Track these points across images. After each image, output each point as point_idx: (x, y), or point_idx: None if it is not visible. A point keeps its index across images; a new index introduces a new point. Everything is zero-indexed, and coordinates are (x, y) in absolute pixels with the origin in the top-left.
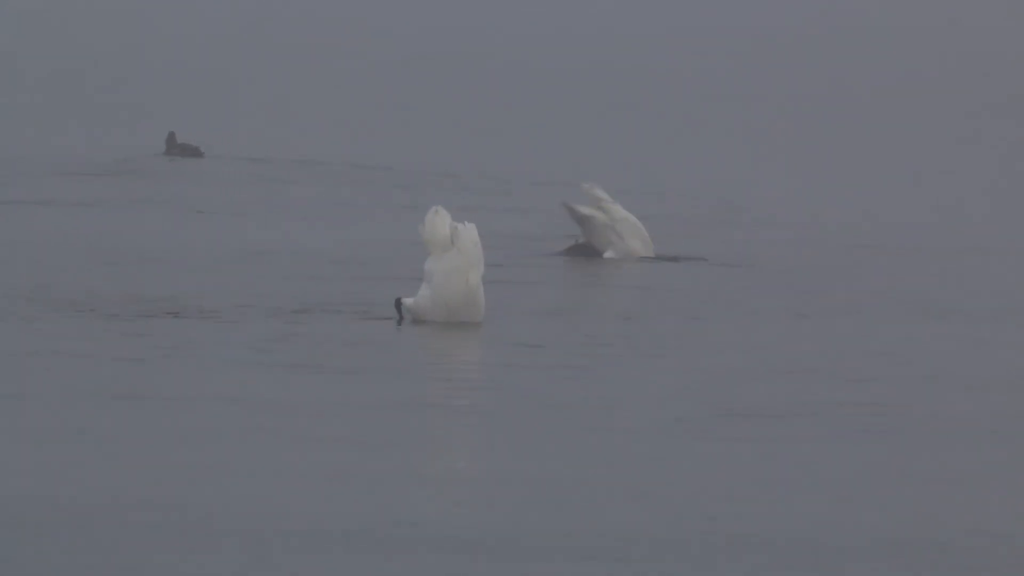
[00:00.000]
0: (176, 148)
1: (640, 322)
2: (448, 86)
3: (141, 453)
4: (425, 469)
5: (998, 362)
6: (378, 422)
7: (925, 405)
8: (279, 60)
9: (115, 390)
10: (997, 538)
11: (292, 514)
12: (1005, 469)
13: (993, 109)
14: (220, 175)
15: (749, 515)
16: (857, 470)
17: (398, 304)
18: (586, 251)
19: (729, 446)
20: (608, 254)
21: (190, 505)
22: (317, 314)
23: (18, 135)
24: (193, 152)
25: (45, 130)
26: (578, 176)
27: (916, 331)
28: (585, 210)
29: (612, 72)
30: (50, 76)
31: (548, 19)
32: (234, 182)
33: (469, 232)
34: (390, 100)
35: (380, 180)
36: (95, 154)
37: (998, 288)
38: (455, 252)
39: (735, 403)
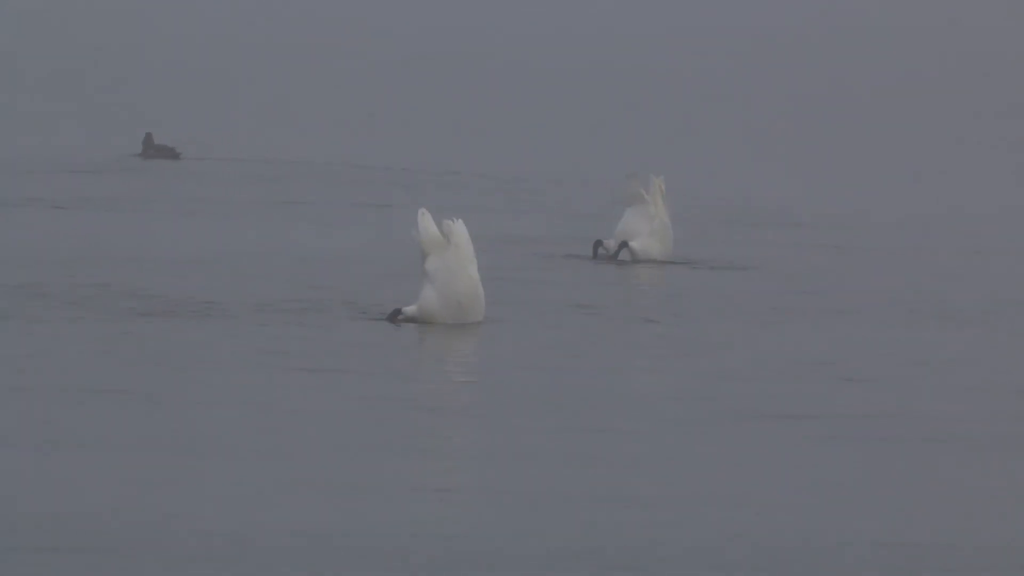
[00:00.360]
0: (153, 149)
1: (644, 324)
2: (448, 86)
3: (135, 459)
4: (427, 476)
5: (1004, 365)
6: (378, 426)
7: (929, 410)
8: (279, 60)
9: (112, 392)
10: (998, 544)
11: (291, 523)
12: (1006, 475)
13: (993, 109)
14: (214, 176)
15: (749, 522)
16: (857, 475)
17: (395, 314)
18: (605, 257)
19: (731, 449)
20: (633, 243)
21: (180, 514)
22: (316, 314)
23: (16, 135)
24: (170, 153)
25: (43, 130)
26: (578, 176)
27: (921, 333)
28: (646, 195)
29: (612, 72)
30: (50, 76)
31: (548, 19)
32: (231, 182)
33: (460, 228)
34: (390, 100)
35: (380, 180)
36: (83, 155)
37: (1001, 289)
38: (453, 249)
39: (737, 406)
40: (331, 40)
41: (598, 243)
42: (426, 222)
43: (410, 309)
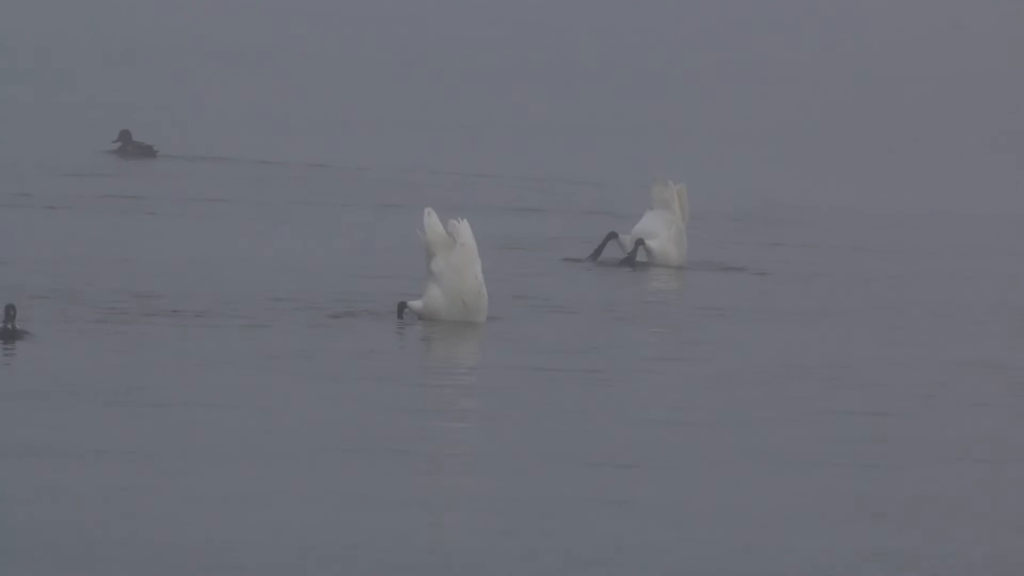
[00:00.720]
0: (131, 146)
1: (649, 326)
2: (448, 86)
3: (130, 465)
4: (428, 483)
5: (1015, 374)
6: (379, 431)
7: (936, 414)
8: (278, 60)
9: (107, 396)
10: (1002, 556)
11: (288, 530)
12: (1012, 484)
13: (995, 109)
14: (203, 176)
15: (753, 534)
16: (863, 481)
17: (401, 308)
18: (613, 258)
19: (737, 452)
20: (651, 242)
21: (177, 521)
22: (314, 316)
23: (9, 135)
24: (147, 151)
25: (37, 130)
26: (580, 177)
27: (930, 334)
28: (672, 200)
29: (612, 72)
30: (43, 74)
31: (548, 19)
32: (221, 182)
33: (465, 228)
34: (390, 100)
35: (379, 181)
36: (65, 155)
37: (1007, 290)
38: (459, 249)
39: (743, 409)
40: (331, 40)
41: (612, 235)
42: (432, 221)
43: (416, 304)
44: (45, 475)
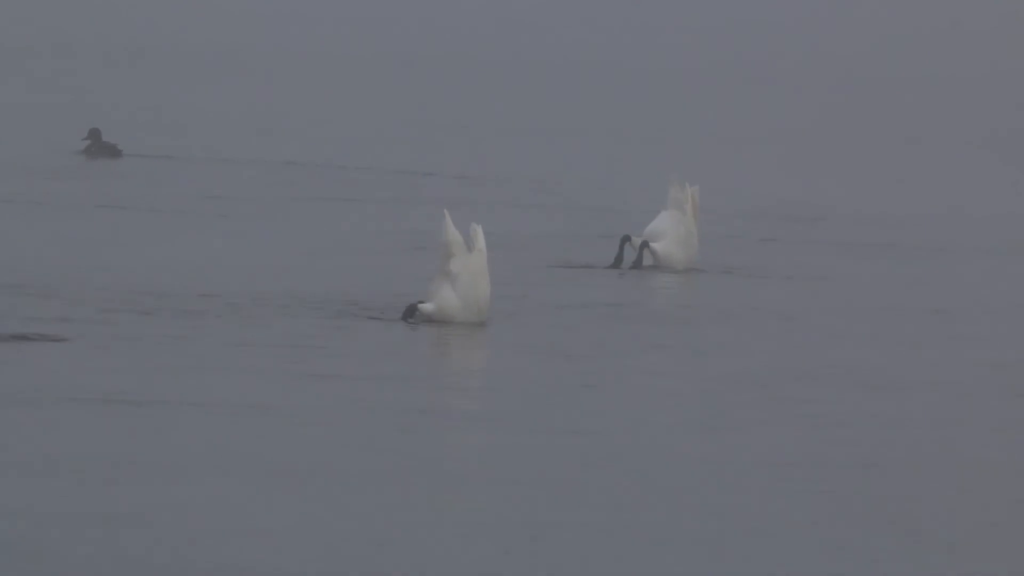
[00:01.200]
0: (97, 146)
1: (649, 329)
2: (447, 86)
3: (127, 473)
4: (431, 489)
5: (1017, 376)
6: (381, 438)
7: (931, 422)
8: (277, 60)
9: (105, 399)
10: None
11: (293, 540)
12: (1002, 497)
13: (997, 109)
14: (192, 175)
15: (770, 558)
16: (870, 490)
17: (411, 310)
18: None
19: (744, 458)
20: (655, 244)
21: (171, 537)
22: (314, 317)
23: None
24: (112, 152)
25: (22, 130)
26: (580, 177)
27: (930, 337)
28: (686, 203)
29: (612, 72)
30: (32, 74)
31: (548, 19)
32: (213, 182)
33: (481, 233)
34: (390, 100)
35: (378, 181)
36: (46, 154)
37: (1012, 292)
38: (476, 254)
39: (749, 412)
40: (330, 40)
41: (626, 238)
42: (450, 222)
43: (427, 307)
44: (41, 477)
